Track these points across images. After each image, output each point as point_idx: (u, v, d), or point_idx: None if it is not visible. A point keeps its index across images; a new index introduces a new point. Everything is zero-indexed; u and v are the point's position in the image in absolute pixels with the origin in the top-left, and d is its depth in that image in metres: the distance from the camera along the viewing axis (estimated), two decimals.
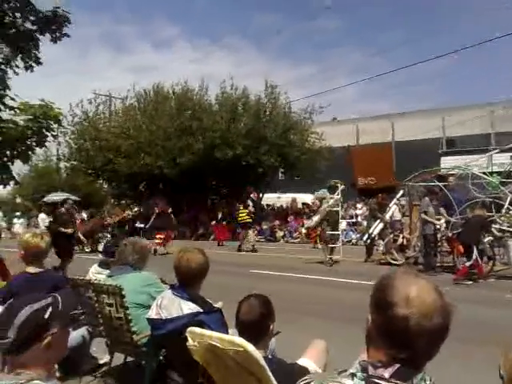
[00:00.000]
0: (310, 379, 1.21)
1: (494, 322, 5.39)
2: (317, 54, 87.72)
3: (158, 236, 14.53)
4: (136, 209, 22.96)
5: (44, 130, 7.03)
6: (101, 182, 28.21)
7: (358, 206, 19.04)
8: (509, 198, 9.11)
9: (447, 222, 9.69)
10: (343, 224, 11.74)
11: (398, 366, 1.10)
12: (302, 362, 2.50)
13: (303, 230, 14.59)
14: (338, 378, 1.14)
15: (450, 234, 9.55)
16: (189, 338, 2.27)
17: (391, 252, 11.02)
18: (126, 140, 21.87)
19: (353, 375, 1.12)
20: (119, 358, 3.63)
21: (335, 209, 11.61)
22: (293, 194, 22.88)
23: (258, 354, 2.03)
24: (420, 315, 1.09)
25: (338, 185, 11.90)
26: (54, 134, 7.51)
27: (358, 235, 14.30)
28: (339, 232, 11.88)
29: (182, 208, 21.86)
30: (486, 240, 8.76)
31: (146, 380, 2.82)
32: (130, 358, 3.60)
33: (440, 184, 10.38)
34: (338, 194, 11.71)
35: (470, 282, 8.20)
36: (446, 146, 23.43)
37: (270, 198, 23.95)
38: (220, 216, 20.08)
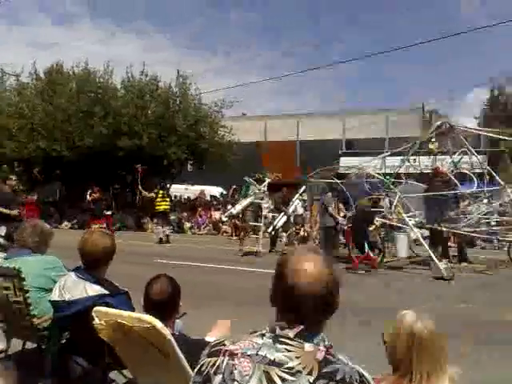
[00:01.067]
0: (224, 338, 1.31)
1: (379, 305, 5.97)
2: (228, 47, 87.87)
3: (95, 224, 13.51)
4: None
5: None
6: None
7: (264, 199, 19.61)
8: (397, 197, 10.04)
9: (344, 216, 10.47)
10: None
11: (301, 327, 1.23)
12: (208, 339, 2.60)
13: (224, 218, 14.52)
14: (250, 337, 1.26)
15: (345, 228, 10.32)
16: (95, 317, 2.26)
17: (293, 243, 11.61)
18: (18, 120, 20.16)
19: (262, 335, 1.25)
20: (17, 345, 3.44)
21: (259, 201, 11.85)
22: (201, 186, 22.89)
23: (166, 330, 2.09)
24: (304, 285, 1.24)
25: (267, 178, 12.19)
26: None
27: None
28: (261, 224, 11.95)
29: (82, 195, 20.71)
30: (370, 229, 9.58)
31: (48, 365, 2.72)
32: (29, 345, 3.43)
33: (338, 181, 11.12)
34: (264, 187, 11.98)
35: (363, 272, 8.93)
36: (345, 147, 25.00)
37: (177, 189, 23.72)
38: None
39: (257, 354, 1.20)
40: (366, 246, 9.15)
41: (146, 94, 20.70)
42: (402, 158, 11.78)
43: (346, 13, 72.72)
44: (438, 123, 10.91)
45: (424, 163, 12.28)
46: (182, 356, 2.07)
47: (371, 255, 9.24)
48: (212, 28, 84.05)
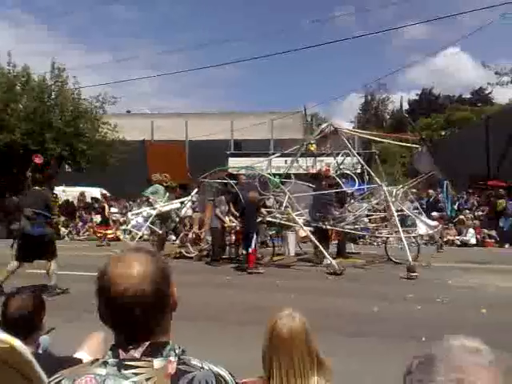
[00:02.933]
0: (62, 376, 1.12)
1: (263, 305, 5.91)
2: (112, 43, 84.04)
3: None
4: None
5: None
6: None
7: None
8: (286, 196, 10.31)
9: (235, 217, 10.40)
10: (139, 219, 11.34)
11: (147, 343, 1.10)
12: (78, 355, 2.33)
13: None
14: (91, 369, 1.09)
15: (238, 228, 10.30)
16: None
17: (186, 245, 11.35)
18: None
19: (105, 363, 1.09)
20: None
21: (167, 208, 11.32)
22: (81, 187, 21.34)
23: (25, 349, 1.77)
24: (129, 291, 1.08)
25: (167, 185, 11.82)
26: None
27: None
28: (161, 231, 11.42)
29: None
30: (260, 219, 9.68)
31: None
32: None
33: (231, 182, 11.10)
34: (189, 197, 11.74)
35: (262, 271, 8.85)
36: (233, 147, 25.30)
37: (54, 191, 21.78)
38: None
39: None
40: (254, 239, 8.99)
41: (15, 86, 18.87)
42: (286, 159, 12.19)
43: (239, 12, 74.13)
44: (323, 126, 11.41)
45: (306, 164, 12.88)
46: (45, 378, 1.78)
47: (256, 249, 9.16)
48: (95, 22, 79.67)
